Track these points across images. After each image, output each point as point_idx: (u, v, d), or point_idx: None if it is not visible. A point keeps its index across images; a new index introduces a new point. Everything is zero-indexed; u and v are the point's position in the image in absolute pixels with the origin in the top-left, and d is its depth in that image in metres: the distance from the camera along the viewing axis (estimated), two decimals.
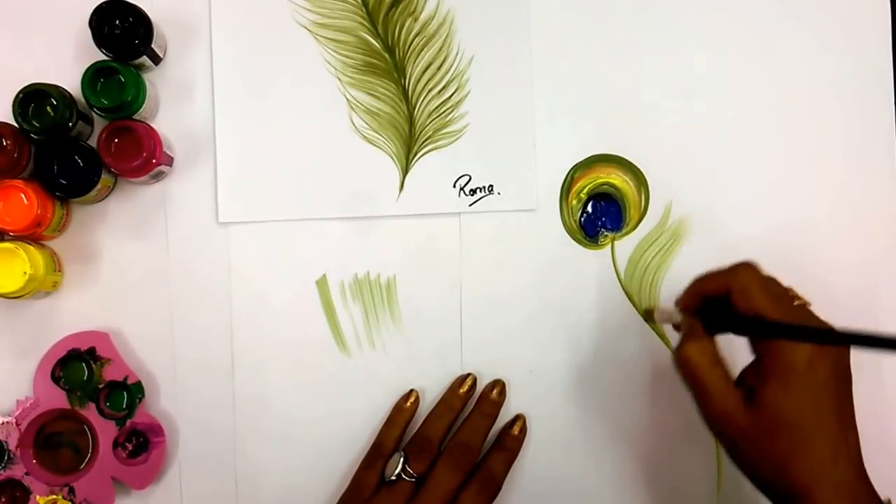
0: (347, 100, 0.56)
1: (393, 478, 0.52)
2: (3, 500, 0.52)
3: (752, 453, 0.44)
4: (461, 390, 0.55)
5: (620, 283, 0.57)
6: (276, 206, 0.56)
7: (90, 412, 0.53)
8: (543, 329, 0.57)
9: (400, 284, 0.57)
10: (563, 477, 0.57)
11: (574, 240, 0.57)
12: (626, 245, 0.57)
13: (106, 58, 0.52)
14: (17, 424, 0.53)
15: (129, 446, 0.53)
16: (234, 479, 0.55)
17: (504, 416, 0.56)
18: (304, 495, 0.56)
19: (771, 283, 0.46)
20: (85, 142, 0.52)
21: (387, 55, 0.57)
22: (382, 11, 0.57)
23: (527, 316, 0.57)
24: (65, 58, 0.54)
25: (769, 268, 0.46)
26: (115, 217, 0.55)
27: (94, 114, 0.53)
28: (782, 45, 0.58)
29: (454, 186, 0.57)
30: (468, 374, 0.56)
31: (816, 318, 0.46)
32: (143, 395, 0.54)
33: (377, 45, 0.57)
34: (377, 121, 0.57)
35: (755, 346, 0.45)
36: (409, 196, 0.56)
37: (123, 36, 0.52)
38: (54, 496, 0.52)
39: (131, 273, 0.55)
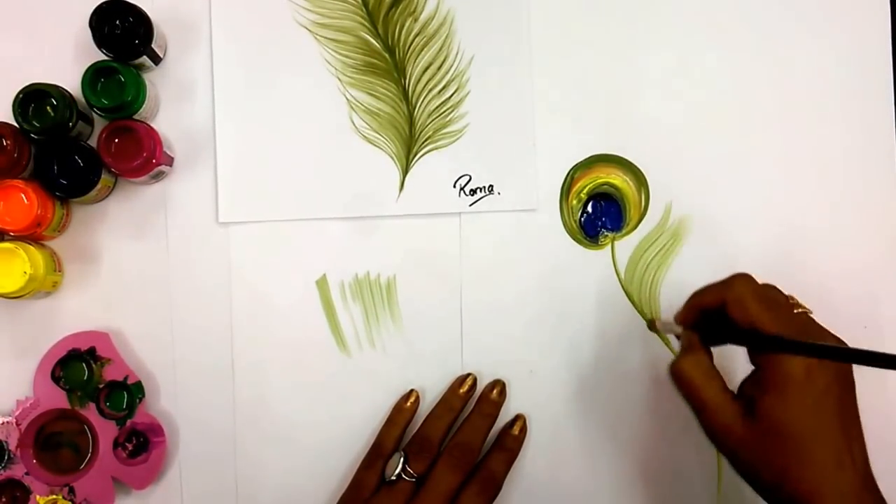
0: (347, 100, 0.56)
1: (393, 478, 0.52)
2: (4, 500, 0.52)
3: (754, 464, 0.43)
4: (461, 390, 0.55)
5: (620, 282, 0.57)
6: (276, 206, 0.56)
7: (90, 412, 0.53)
8: (543, 329, 0.57)
9: (400, 284, 0.57)
10: (563, 477, 0.57)
11: (574, 240, 0.57)
12: (626, 245, 0.57)
13: (106, 58, 0.52)
14: (17, 424, 0.53)
15: (130, 446, 0.53)
16: (234, 479, 0.55)
17: (504, 417, 0.56)
18: (304, 495, 0.56)
19: (768, 292, 0.46)
20: (85, 142, 0.52)
21: (387, 55, 0.57)
22: (382, 11, 0.57)
23: (527, 316, 0.57)
24: (65, 58, 0.54)
25: (769, 269, 0.47)
26: (115, 217, 0.55)
27: (94, 114, 0.53)
28: (782, 45, 0.58)
29: (454, 186, 0.57)
30: (468, 374, 0.56)
31: (817, 326, 0.46)
32: (144, 395, 0.54)
33: (377, 45, 0.57)
34: (377, 121, 0.57)
35: (753, 357, 0.45)
36: (410, 196, 0.56)
37: (123, 36, 0.51)
38: (54, 496, 0.52)
39: (131, 273, 0.55)
